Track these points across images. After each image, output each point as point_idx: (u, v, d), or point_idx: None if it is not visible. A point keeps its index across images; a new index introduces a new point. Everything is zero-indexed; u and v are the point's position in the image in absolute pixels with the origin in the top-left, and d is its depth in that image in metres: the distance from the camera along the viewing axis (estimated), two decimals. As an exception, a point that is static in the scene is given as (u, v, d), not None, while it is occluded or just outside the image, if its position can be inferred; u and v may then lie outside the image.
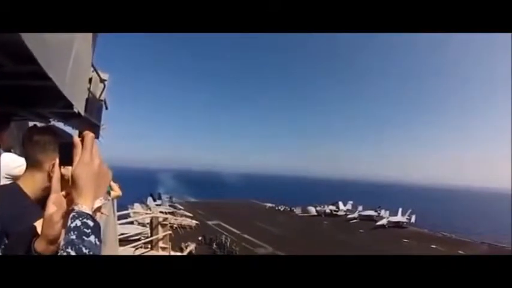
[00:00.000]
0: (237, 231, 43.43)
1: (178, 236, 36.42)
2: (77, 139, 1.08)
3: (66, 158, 1.08)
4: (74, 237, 0.93)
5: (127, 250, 9.06)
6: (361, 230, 49.63)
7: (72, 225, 0.96)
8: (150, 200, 55.61)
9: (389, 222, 53.06)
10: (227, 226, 46.95)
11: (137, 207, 43.18)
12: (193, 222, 45.57)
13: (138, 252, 9.89)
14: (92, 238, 0.97)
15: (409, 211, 58.05)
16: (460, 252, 36.98)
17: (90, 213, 1.02)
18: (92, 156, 1.07)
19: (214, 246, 34.21)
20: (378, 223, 52.35)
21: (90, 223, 0.99)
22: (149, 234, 11.26)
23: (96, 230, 1.00)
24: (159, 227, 10.90)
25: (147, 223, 13.97)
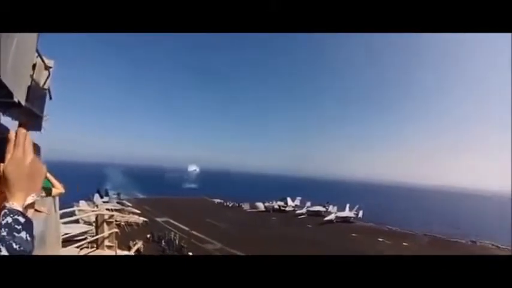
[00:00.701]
0: (186, 228, 42.91)
1: (126, 233, 35.42)
2: (11, 135, 1.07)
3: (1, 155, 1.07)
4: (4, 233, 0.95)
5: (70, 251, 8.56)
6: (309, 225, 51.41)
7: (3, 222, 0.98)
8: (96, 196, 52.93)
9: (337, 217, 55.72)
10: (176, 223, 46.20)
11: (83, 204, 41.17)
12: (141, 219, 44.37)
13: (82, 253, 9.40)
14: (23, 234, 0.99)
15: (357, 206, 61.65)
16: (404, 244, 40.28)
17: (21, 210, 1.04)
18: (25, 153, 1.07)
19: (163, 243, 33.47)
20: (326, 218, 54.61)
21: (21, 219, 1.01)
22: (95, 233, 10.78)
23: (28, 226, 1.02)
24: (105, 225, 10.47)
25: (94, 221, 13.38)
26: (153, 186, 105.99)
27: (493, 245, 42.86)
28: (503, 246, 41.49)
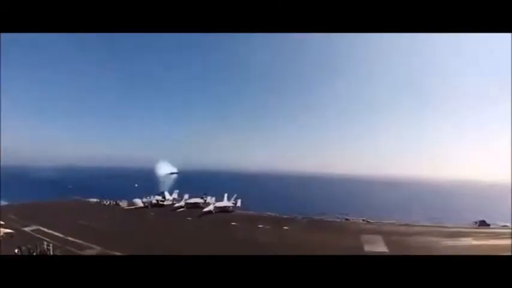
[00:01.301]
0: (61, 235, 40.48)
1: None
2: None
3: None
4: None
5: None
6: (189, 218, 53.92)
7: None
8: None
9: (216, 207, 59.28)
10: (48, 230, 43.02)
11: None
12: (4, 231, 39.86)
13: None
14: None
15: (235, 196, 64.91)
16: (285, 228, 45.05)
17: None
18: None
19: (35, 256, 31.58)
20: (205, 209, 57.86)
21: None
22: None
23: None
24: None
25: None
26: (19, 189, 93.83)
27: (363, 220, 50.56)
28: (373, 221, 49.19)
